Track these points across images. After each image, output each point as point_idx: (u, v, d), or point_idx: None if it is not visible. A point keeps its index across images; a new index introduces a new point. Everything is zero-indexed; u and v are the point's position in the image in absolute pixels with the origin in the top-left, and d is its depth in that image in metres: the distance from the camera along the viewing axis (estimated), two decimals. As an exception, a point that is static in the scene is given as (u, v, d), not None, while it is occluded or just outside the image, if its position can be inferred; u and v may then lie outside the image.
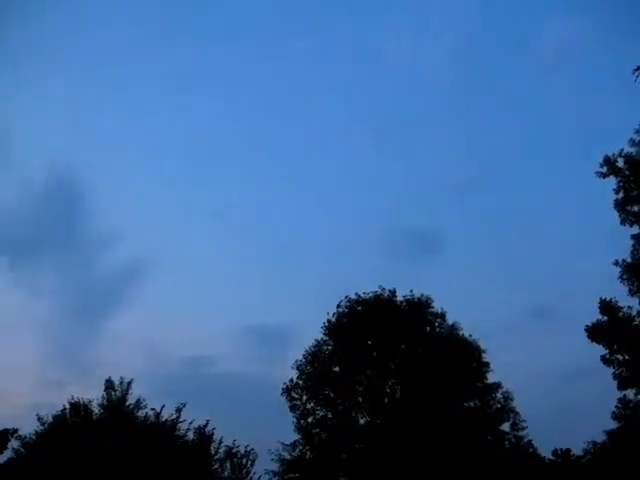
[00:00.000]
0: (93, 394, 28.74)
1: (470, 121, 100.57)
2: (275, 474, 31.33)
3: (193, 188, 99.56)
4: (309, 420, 32.68)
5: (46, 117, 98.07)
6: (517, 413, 32.54)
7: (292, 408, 32.65)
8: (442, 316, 34.18)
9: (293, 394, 32.89)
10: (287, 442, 31.99)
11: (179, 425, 28.48)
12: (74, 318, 70.53)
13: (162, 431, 28.01)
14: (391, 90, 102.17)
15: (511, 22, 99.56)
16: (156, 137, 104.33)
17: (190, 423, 28.58)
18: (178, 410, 28.38)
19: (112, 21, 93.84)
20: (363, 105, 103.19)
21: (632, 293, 24.42)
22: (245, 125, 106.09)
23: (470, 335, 33.67)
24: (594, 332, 24.53)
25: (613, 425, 25.66)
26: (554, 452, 40.32)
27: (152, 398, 29.73)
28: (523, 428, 32.56)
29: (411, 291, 34.43)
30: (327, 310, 34.59)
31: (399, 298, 34.46)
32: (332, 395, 33.01)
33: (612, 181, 25.37)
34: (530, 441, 33.21)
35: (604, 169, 25.38)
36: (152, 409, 28.52)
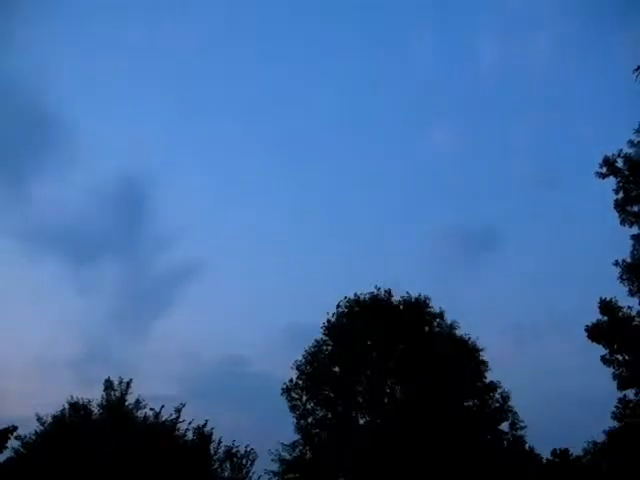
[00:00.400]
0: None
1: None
2: (275, 474, 31.34)
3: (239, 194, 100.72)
4: (309, 420, 32.67)
5: (114, 119, 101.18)
6: (515, 413, 32.58)
7: (292, 408, 32.64)
8: (440, 315, 34.16)
9: (293, 394, 32.88)
10: (287, 442, 32.05)
11: (178, 425, 28.54)
12: (124, 317, 72.12)
13: (161, 431, 27.99)
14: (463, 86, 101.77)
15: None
16: (213, 146, 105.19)
17: (189, 423, 28.66)
18: (177, 410, 28.41)
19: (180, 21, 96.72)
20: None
21: (632, 293, 24.46)
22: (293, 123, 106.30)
23: (468, 335, 33.80)
24: (594, 332, 24.56)
25: (613, 425, 25.68)
26: (553, 452, 40.47)
27: (192, 399, 29.92)
28: (522, 428, 32.62)
29: (407, 292, 34.53)
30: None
31: (397, 298, 34.55)
32: (332, 395, 33.00)
33: (612, 181, 25.45)
34: (525, 442, 33.28)
35: (603, 169, 25.40)
36: (151, 409, 28.61)
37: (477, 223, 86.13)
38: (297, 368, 33.58)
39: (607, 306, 24.75)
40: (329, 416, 32.85)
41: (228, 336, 62.04)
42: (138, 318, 74.05)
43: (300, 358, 33.84)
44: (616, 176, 25.14)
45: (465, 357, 32.69)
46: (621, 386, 24.51)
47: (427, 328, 34.07)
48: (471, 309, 58.82)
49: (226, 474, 29.21)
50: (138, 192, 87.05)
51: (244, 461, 29.44)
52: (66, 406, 28.13)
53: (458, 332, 33.90)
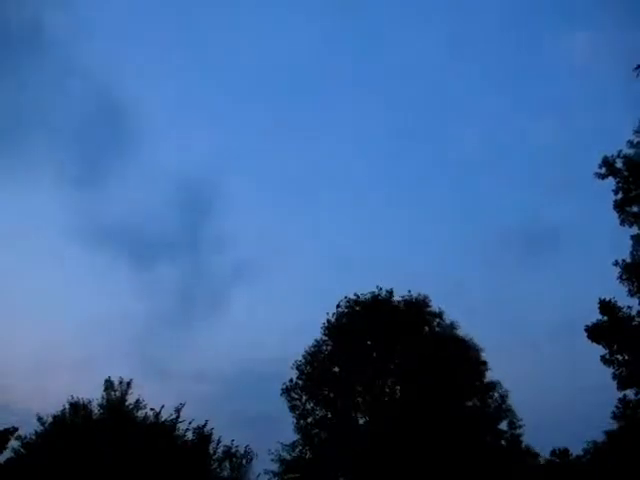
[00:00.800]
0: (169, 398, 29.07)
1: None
2: (275, 474, 31.30)
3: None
4: (309, 420, 32.67)
5: (186, 124, 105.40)
6: (514, 412, 32.64)
7: (292, 408, 32.63)
8: (440, 315, 34.20)
9: (293, 394, 32.88)
10: (287, 442, 32.03)
11: (178, 425, 28.41)
12: (174, 316, 75.21)
13: (161, 431, 27.92)
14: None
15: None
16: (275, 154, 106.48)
17: (189, 423, 28.54)
18: (177, 410, 28.32)
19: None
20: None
21: (632, 293, 24.47)
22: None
23: (467, 335, 33.83)
24: (594, 332, 24.54)
25: (613, 425, 25.73)
26: (552, 452, 40.40)
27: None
28: (520, 427, 32.68)
29: (409, 291, 34.51)
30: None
31: (397, 298, 34.55)
32: (331, 395, 32.99)
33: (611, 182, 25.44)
34: (521, 441, 33.31)
35: (603, 170, 25.39)
36: (151, 409, 28.47)
37: (537, 225, 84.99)
38: (297, 368, 33.58)
39: (607, 306, 24.74)
40: (329, 416, 32.84)
41: (273, 338, 62.18)
42: (189, 318, 76.93)
43: (300, 358, 33.91)
44: (615, 177, 25.15)
45: (465, 357, 32.70)
46: (621, 386, 24.52)
47: (427, 328, 34.07)
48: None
49: (225, 474, 29.15)
50: (202, 194, 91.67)
51: (243, 461, 29.41)
52: (66, 406, 28.07)
53: (458, 332, 33.99)
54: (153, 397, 29.63)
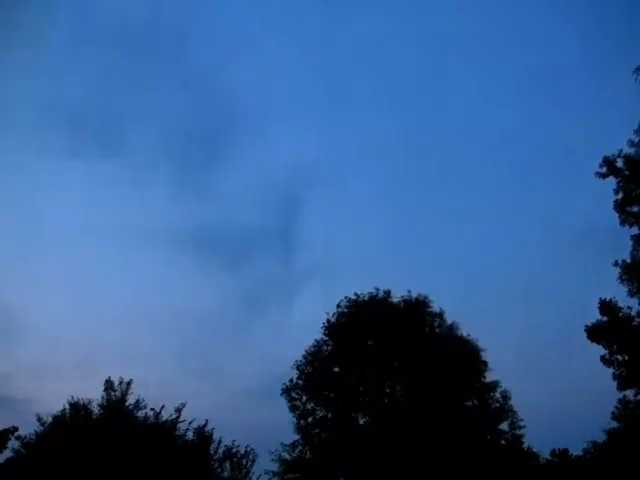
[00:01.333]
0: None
1: None
2: (275, 474, 31.32)
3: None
4: (309, 420, 32.67)
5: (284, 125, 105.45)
6: (515, 412, 32.58)
7: (292, 408, 32.65)
8: (440, 315, 34.23)
9: (293, 394, 32.89)
10: (287, 442, 32.04)
11: (179, 425, 28.46)
12: (238, 318, 76.13)
13: (161, 431, 27.94)
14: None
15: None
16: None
17: (190, 423, 28.59)
18: (178, 410, 28.35)
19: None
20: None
21: (632, 294, 24.44)
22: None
23: (469, 334, 33.81)
24: (594, 332, 24.57)
25: (613, 425, 25.70)
26: (552, 452, 40.30)
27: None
28: (521, 427, 32.63)
29: (409, 291, 34.53)
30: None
31: (396, 299, 34.58)
32: (332, 395, 32.97)
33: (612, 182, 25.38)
34: (522, 442, 33.25)
35: (603, 169, 25.35)
36: (152, 409, 28.52)
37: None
38: (297, 368, 33.59)
39: (607, 306, 24.74)
40: (329, 416, 32.82)
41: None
42: (253, 320, 77.61)
43: (300, 358, 33.91)
44: (616, 176, 25.09)
45: (465, 357, 32.67)
46: (621, 386, 24.51)
47: (427, 328, 34.06)
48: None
49: (226, 474, 29.20)
50: (295, 195, 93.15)
51: (244, 461, 29.44)
52: (66, 406, 28.08)
53: (459, 333, 33.98)
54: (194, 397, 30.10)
